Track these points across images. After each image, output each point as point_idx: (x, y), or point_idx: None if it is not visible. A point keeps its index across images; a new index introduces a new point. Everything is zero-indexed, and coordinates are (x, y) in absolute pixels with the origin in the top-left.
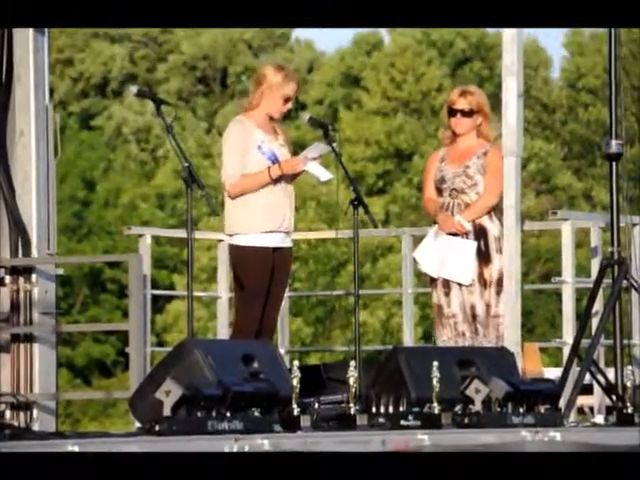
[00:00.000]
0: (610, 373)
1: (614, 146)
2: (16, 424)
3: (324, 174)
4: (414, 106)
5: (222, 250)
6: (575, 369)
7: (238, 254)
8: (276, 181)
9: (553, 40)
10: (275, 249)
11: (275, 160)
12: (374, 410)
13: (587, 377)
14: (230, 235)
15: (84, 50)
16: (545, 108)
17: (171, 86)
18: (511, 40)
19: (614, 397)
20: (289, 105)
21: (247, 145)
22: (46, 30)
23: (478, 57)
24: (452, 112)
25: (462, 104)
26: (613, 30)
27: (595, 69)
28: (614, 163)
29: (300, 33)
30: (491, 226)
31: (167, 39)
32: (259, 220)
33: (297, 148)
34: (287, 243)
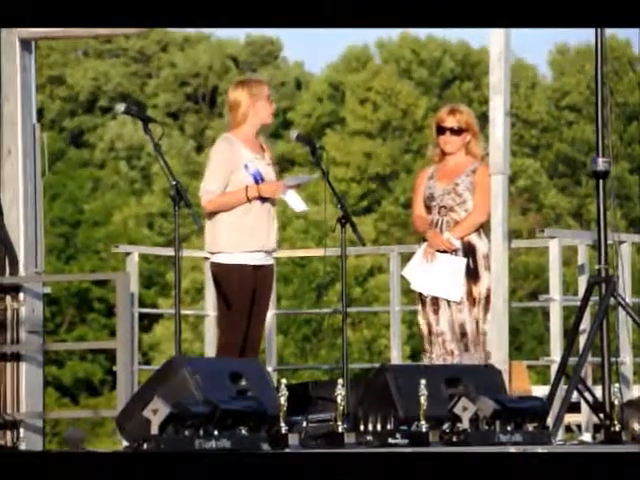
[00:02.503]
0: (598, 391)
1: (601, 164)
2: (3, 443)
3: (299, 205)
4: (395, 124)
5: (209, 268)
6: (563, 387)
7: (220, 272)
8: (254, 202)
9: (537, 58)
10: (256, 267)
11: (261, 179)
12: (362, 428)
13: (575, 395)
14: (212, 253)
15: (75, 67)
16: (529, 126)
17: (160, 102)
18: (498, 59)
19: (602, 415)
20: (273, 105)
21: (233, 163)
22: (33, 48)
23: (464, 75)
24: (441, 130)
25: (451, 122)
26: (599, 47)
27: (579, 87)
28: (601, 181)
29: (288, 52)
30: (480, 243)
31: (159, 56)
32: (242, 239)
33: (287, 164)
34: (269, 261)
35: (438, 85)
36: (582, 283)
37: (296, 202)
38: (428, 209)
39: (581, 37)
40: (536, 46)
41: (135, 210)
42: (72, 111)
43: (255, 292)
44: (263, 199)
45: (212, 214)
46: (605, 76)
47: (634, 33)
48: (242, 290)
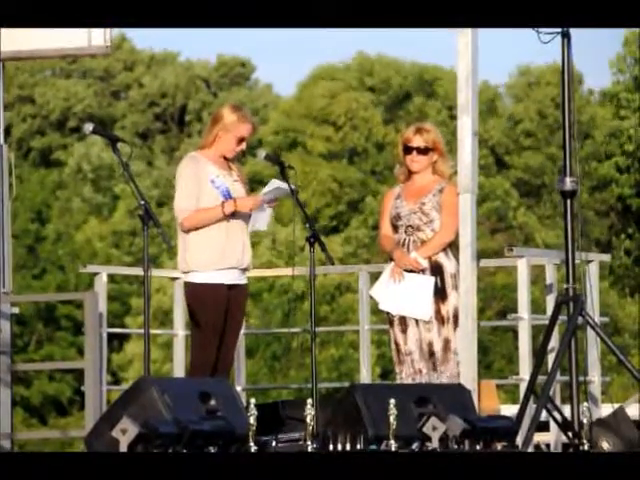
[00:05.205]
0: (566, 410)
1: (569, 184)
2: None
3: (262, 224)
4: (359, 149)
5: (178, 288)
6: (532, 406)
7: (193, 291)
8: (230, 217)
9: (500, 80)
10: (230, 286)
11: (228, 195)
12: (331, 448)
13: (543, 414)
14: (185, 272)
15: (43, 87)
16: (489, 148)
17: (128, 123)
18: (465, 79)
19: (570, 434)
20: (243, 146)
21: (200, 179)
22: (1, 69)
23: (421, 92)
24: (407, 149)
25: (418, 141)
26: (567, 66)
27: (529, 112)
28: (569, 200)
29: (260, 74)
30: (447, 263)
31: (126, 76)
32: (216, 257)
33: (254, 184)
34: (242, 280)
35: (394, 102)
36: (550, 302)
37: (261, 220)
38: (395, 228)
39: (545, 59)
40: (499, 68)
41: (102, 229)
42: (40, 130)
43: (227, 311)
44: (236, 216)
45: (184, 233)
46: (572, 96)
47: (577, 57)
48: (215, 309)
